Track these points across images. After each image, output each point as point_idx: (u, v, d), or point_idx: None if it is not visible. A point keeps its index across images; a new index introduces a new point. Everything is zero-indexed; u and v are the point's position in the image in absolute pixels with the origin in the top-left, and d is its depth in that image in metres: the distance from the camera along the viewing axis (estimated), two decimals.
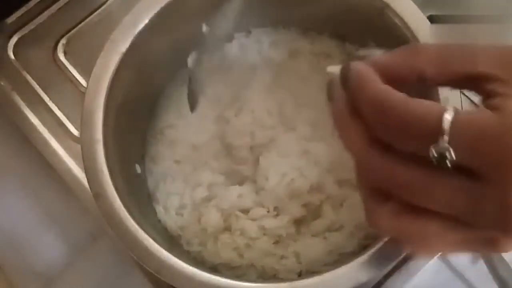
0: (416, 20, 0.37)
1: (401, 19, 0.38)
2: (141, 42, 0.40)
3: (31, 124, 0.49)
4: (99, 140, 0.37)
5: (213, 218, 0.41)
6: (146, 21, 0.40)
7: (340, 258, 0.39)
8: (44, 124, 0.49)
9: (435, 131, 0.21)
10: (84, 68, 0.51)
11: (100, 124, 0.37)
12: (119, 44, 0.39)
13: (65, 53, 0.52)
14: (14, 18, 0.53)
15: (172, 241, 0.42)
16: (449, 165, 0.21)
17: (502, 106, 0.21)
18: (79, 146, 0.37)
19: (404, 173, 0.23)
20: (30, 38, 0.53)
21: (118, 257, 0.46)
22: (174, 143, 0.45)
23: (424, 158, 0.22)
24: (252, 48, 0.47)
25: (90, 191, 0.36)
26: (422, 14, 0.37)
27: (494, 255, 0.41)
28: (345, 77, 0.25)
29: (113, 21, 0.41)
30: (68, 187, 0.47)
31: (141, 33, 0.39)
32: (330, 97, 0.27)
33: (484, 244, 0.23)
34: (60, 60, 0.52)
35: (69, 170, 0.47)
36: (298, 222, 0.41)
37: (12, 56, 0.52)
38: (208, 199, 0.43)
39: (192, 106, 0.42)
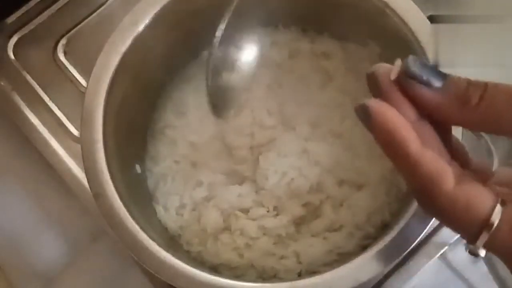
0: (416, 20, 0.37)
1: (401, 19, 0.38)
2: (141, 42, 0.40)
3: (31, 124, 0.49)
4: (99, 140, 0.37)
5: (213, 218, 0.41)
6: (146, 21, 0.40)
7: (340, 258, 0.39)
8: (44, 124, 0.49)
9: (475, 230, 0.20)
10: (84, 68, 0.51)
11: (100, 124, 0.37)
12: (119, 44, 0.39)
13: (65, 53, 0.52)
14: (14, 18, 0.53)
15: (172, 241, 0.42)
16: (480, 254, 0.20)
17: None
18: (79, 146, 0.37)
19: None
20: (30, 38, 0.53)
21: (118, 257, 0.46)
22: (174, 143, 0.45)
23: None
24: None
25: (90, 191, 0.36)
26: (422, 14, 0.37)
27: (494, 255, 0.41)
28: (365, 116, 0.22)
29: (113, 21, 0.41)
30: (68, 187, 0.47)
31: (141, 33, 0.39)
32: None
33: None
34: (60, 60, 0.52)
35: (69, 170, 0.47)
36: (298, 222, 0.41)
37: (12, 56, 0.52)
38: (208, 199, 0.43)
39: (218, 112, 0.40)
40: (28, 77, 0.51)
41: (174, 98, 0.46)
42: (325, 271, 0.33)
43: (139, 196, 0.42)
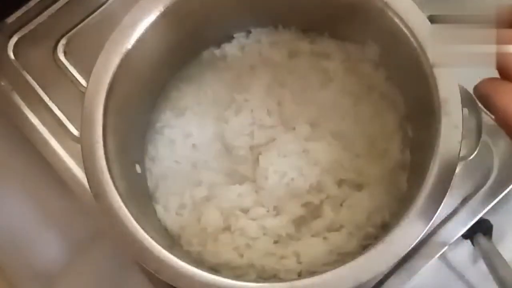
0: (416, 20, 0.37)
1: (401, 19, 0.38)
2: (141, 42, 0.40)
3: (31, 124, 0.49)
4: (99, 140, 0.37)
5: (213, 217, 0.41)
6: (146, 21, 0.40)
7: (340, 258, 0.39)
8: (44, 124, 0.49)
9: None
10: (84, 68, 0.51)
11: (100, 124, 0.37)
12: (119, 44, 0.39)
13: (65, 53, 0.52)
14: (14, 18, 0.53)
15: (172, 241, 0.42)
16: None
17: None
18: (79, 146, 0.37)
19: None
20: (30, 38, 0.53)
21: (118, 257, 0.46)
22: (174, 143, 0.45)
23: None
24: (252, 48, 0.47)
25: (90, 191, 0.36)
26: (422, 14, 0.38)
27: (494, 255, 0.41)
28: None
29: (113, 21, 0.41)
30: (68, 187, 0.47)
31: (141, 33, 0.39)
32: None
33: None
34: (60, 60, 0.52)
35: (69, 170, 0.47)
36: (298, 222, 0.41)
37: (12, 56, 0.52)
38: (208, 198, 0.43)
39: None
40: (28, 77, 0.51)
41: (174, 98, 0.46)
42: (325, 271, 0.33)
43: (139, 196, 0.42)
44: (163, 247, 0.35)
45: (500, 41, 0.22)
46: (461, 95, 0.35)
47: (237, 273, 0.40)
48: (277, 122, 0.44)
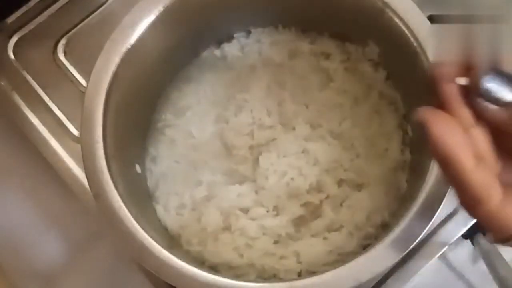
0: (416, 20, 0.37)
1: (401, 19, 0.38)
2: (141, 42, 0.40)
3: (31, 124, 0.49)
4: (99, 140, 0.37)
5: (213, 217, 0.41)
6: (146, 21, 0.40)
7: (340, 258, 0.39)
8: (44, 124, 0.49)
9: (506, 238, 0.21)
10: (84, 68, 0.51)
11: (100, 124, 0.37)
12: (119, 44, 0.39)
13: (65, 53, 0.52)
14: (14, 18, 0.53)
15: (172, 241, 0.42)
16: None
17: None
18: (79, 146, 0.37)
19: None
20: (30, 38, 0.53)
21: (118, 257, 0.46)
22: (174, 143, 0.45)
23: None
24: (252, 48, 0.47)
25: (90, 191, 0.36)
26: (422, 14, 0.38)
27: (494, 255, 0.41)
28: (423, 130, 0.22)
29: (113, 21, 0.41)
30: (68, 187, 0.47)
31: (141, 33, 0.39)
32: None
33: None
34: (60, 60, 0.52)
35: (69, 170, 0.47)
36: (298, 222, 0.41)
37: (12, 56, 0.52)
38: (208, 198, 0.43)
39: None
40: (28, 77, 0.51)
41: (174, 98, 0.46)
42: (325, 271, 0.33)
43: (139, 196, 0.42)
44: (163, 247, 0.35)
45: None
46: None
47: (237, 273, 0.40)
48: (277, 122, 0.44)
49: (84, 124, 0.37)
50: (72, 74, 0.51)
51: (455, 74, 0.23)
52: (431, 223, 0.33)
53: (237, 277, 0.40)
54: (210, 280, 0.34)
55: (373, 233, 0.40)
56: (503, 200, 0.21)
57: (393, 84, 0.43)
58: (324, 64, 0.45)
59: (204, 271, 0.34)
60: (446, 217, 0.45)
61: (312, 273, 0.35)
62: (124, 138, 0.40)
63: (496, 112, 0.21)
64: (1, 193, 0.49)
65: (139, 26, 0.39)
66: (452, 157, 0.21)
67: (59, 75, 0.51)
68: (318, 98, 0.44)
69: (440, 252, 0.44)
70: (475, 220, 0.44)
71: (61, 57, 0.52)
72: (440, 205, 0.34)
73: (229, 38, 0.48)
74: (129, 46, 0.39)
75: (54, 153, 0.48)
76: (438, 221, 0.45)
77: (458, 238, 0.44)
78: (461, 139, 0.21)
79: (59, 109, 0.50)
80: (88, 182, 0.36)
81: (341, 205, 0.41)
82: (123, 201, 0.36)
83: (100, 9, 0.53)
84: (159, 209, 0.43)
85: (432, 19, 0.41)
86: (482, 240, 0.43)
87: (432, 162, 0.35)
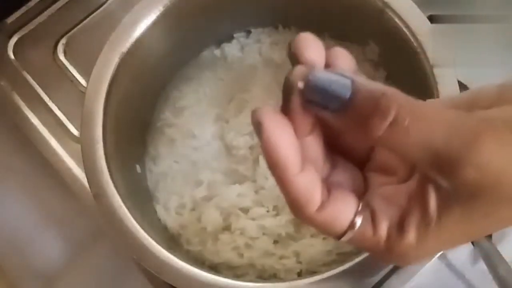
0: (416, 20, 0.37)
1: (401, 19, 0.38)
2: (141, 42, 0.40)
3: (31, 124, 0.49)
4: (99, 140, 0.37)
5: (213, 217, 0.41)
6: (146, 21, 0.40)
7: (340, 258, 0.39)
8: (44, 124, 0.49)
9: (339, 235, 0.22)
10: (84, 68, 0.51)
11: (100, 124, 0.37)
12: (119, 44, 0.39)
13: (65, 53, 0.52)
14: (14, 18, 0.53)
15: (172, 241, 0.42)
16: None
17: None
18: (79, 146, 0.37)
19: None
20: (30, 38, 0.53)
21: (118, 257, 0.46)
22: (174, 142, 0.45)
23: None
24: (252, 48, 0.47)
25: (90, 191, 0.36)
26: (422, 14, 0.38)
27: (494, 255, 0.41)
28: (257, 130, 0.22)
29: (113, 21, 0.41)
30: (68, 187, 0.47)
31: (141, 33, 0.39)
32: None
33: None
34: (60, 60, 0.52)
35: (69, 170, 0.47)
36: (298, 222, 0.41)
37: (12, 56, 0.52)
38: (208, 198, 0.43)
39: None
40: (28, 77, 0.51)
41: (174, 98, 0.46)
42: (325, 271, 0.33)
43: (139, 196, 0.42)
44: (163, 247, 0.35)
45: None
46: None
47: (237, 272, 0.40)
48: None
49: (84, 124, 0.37)
50: (72, 74, 0.51)
51: (301, 76, 0.22)
52: None
53: (237, 277, 0.40)
54: (210, 280, 0.34)
55: None
56: (327, 201, 0.21)
57: (393, 84, 0.43)
58: None
59: (204, 271, 0.34)
60: None
61: (312, 273, 0.35)
62: (124, 138, 0.40)
63: (328, 118, 0.21)
64: (1, 193, 0.49)
65: (139, 26, 0.39)
66: (279, 161, 0.21)
67: (59, 75, 0.51)
68: None
69: (440, 252, 0.44)
70: None
71: (61, 57, 0.52)
72: None
73: (229, 38, 0.48)
74: (129, 46, 0.39)
75: (54, 153, 0.48)
76: None
77: None
78: (292, 145, 0.21)
79: (59, 109, 0.50)
80: (88, 182, 0.36)
81: None
82: (123, 201, 0.36)
83: (100, 9, 0.53)
84: (159, 209, 0.43)
85: (432, 19, 0.41)
86: (482, 240, 0.43)
87: None
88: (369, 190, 0.23)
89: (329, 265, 0.38)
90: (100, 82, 0.38)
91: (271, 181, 0.41)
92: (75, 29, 0.53)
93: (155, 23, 0.40)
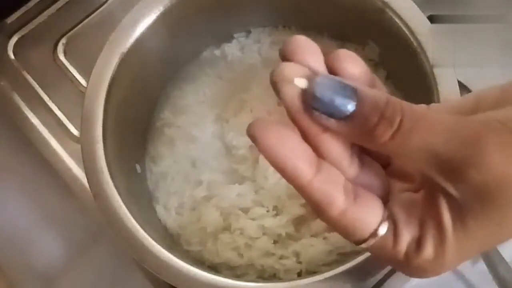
0: (416, 20, 0.37)
1: (401, 19, 0.38)
2: (141, 42, 0.40)
3: (31, 124, 0.49)
4: (99, 140, 0.37)
5: (212, 217, 0.41)
6: (146, 21, 0.40)
7: (340, 258, 0.39)
8: (44, 124, 0.49)
9: (361, 241, 0.21)
10: (84, 68, 0.51)
11: (100, 124, 0.37)
12: (119, 44, 0.39)
13: (65, 53, 0.52)
14: (14, 18, 0.53)
15: (172, 241, 0.42)
16: None
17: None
18: (79, 146, 0.37)
19: None
20: (30, 38, 0.53)
21: (118, 257, 0.46)
22: (174, 142, 0.45)
23: None
24: (252, 48, 0.47)
25: (90, 191, 0.36)
26: (422, 14, 0.38)
27: (494, 255, 0.41)
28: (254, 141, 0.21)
29: (113, 21, 0.41)
30: (68, 187, 0.47)
31: (141, 33, 0.39)
32: None
33: None
34: (60, 60, 0.52)
35: (69, 170, 0.47)
36: (298, 222, 0.41)
37: (12, 56, 0.52)
38: (207, 198, 0.43)
39: None
40: (28, 77, 0.51)
41: (174, 98, 0.46)
42: (325, 271, 0.33)
43: (139, 196, 0.42)
44: (163, 247, 0.35)
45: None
46: (461, 95, 0.35)
47: (237, 272, 0.40)
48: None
49: (84, 124, 0.37)
50: (72, 74, 0.51)
51: (297, 74, 0.21)
52: None
53: (237, 277, 0.40)
54: (210, 280, 0.34)
55: None
56: (353, 205, 0.21)
57: (393, 84, 0.43)
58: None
59: (204, 271, 0.34)
60: None
61: (312, 273, 0.35)
62: (124, 138, 0.40)
63: (334, 126, 0.20)
64: (1, 193, 0.49)
65: (139, 26, 0.39)
66: (285, 171, 0.20)
67: (59, 75, 0.51)
68: None
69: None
70: None
71: (61, 57, 0.52)
72: None
73: (229, 38, 0.48)
74: (129, 46, 0.39)
75: (54, 153, 0.48)
76: None
77: None
78: (293, 151, 0.20)
79: (59, 109, 0.50)
80: (88, 182, 0.36)
81: None
82: (123, 201, 0.36)
83: (100, 9, 0.53)
84: (159, 208, 0.43)
85: (432, 19, 0.41)
86: None
87: None
88: (391, 196, 0.22)
89: (329, 265, 0.38)
90: (100, 82, 0.38)
91: (271, 181, 0.41)
92: (75, 29, 0.53)
93: (155, 23, 0.40)
